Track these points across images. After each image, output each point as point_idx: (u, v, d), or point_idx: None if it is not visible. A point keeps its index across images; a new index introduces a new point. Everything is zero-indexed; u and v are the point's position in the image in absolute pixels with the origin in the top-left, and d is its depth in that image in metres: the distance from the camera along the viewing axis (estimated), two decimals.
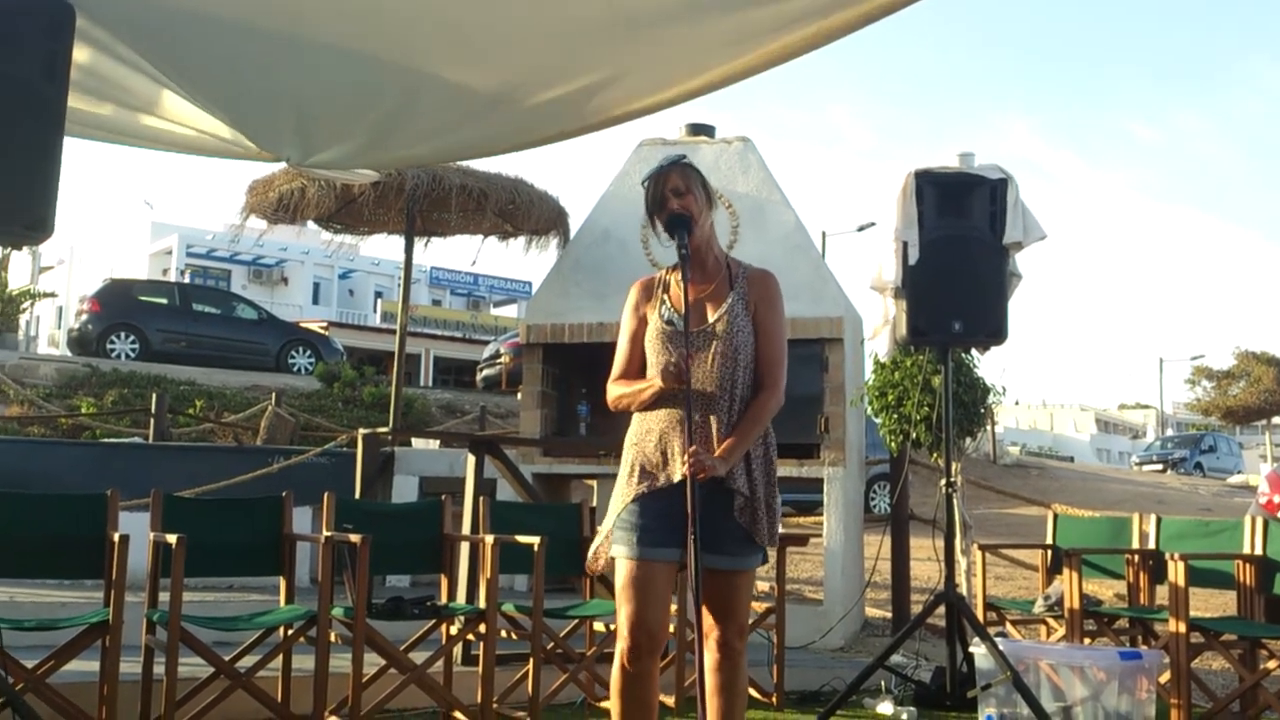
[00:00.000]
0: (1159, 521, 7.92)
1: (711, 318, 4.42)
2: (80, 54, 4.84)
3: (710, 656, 4.37)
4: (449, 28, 4.74)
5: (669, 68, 4.77)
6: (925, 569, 12.16)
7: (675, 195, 4.44)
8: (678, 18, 4.41)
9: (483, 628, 6.14)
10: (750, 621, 7.47)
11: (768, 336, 4.47)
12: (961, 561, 8.70)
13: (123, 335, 24.33)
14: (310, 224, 13.20)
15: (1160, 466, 45.18)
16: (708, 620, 4.36)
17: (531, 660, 6.29)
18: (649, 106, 5.01)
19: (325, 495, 6.40)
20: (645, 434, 4.41)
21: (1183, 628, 6.59)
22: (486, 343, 31.43)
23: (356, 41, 4.86)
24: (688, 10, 4.36)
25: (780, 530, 7.29)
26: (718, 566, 4.27)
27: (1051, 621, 7.91)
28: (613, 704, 4.40)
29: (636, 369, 4.52)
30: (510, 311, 58.97)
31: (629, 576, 4.27)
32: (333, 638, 5.83)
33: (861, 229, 37.04)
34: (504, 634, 6.53)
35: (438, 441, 12.40)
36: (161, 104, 5.53)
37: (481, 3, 4.53)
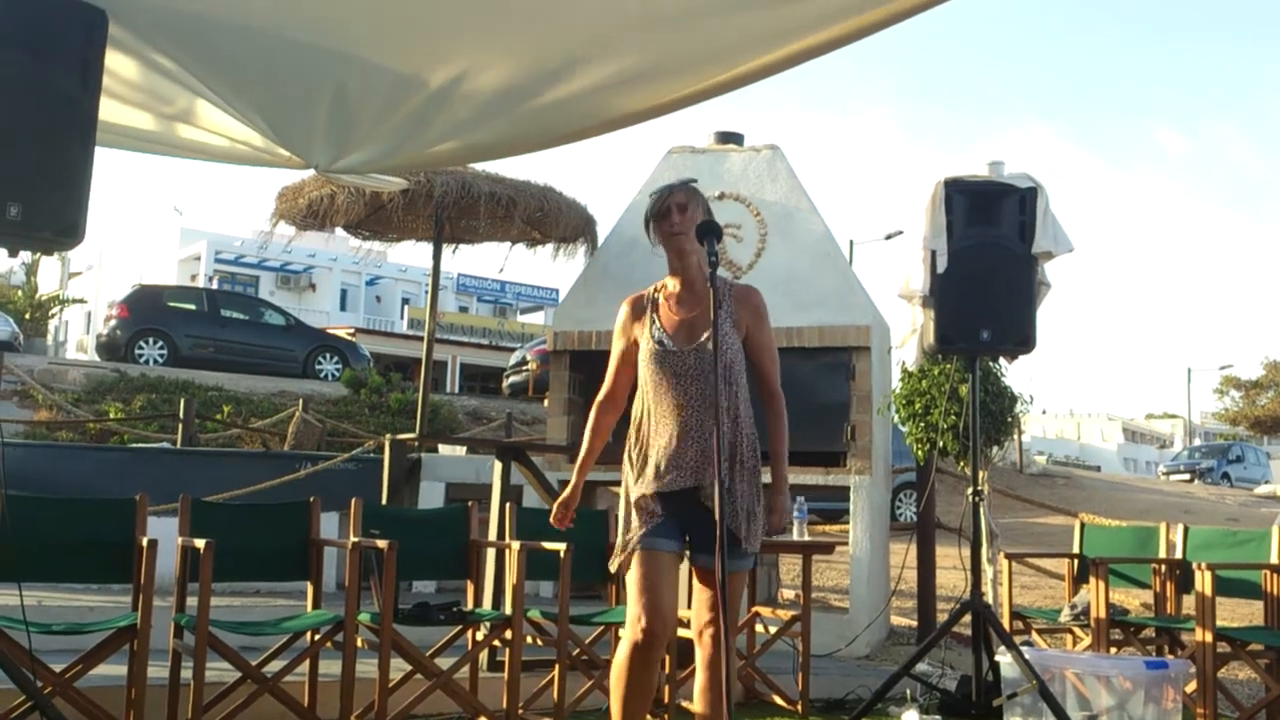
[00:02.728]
0: (1186, 531, 7.89)
1: (702, 336, 4.60)
2: (118, 63, 4.89)
3: (701, 653, 4.55)
4: (479, 23, 4.77)
5: (698, 62, 4.80)
6: (951, 578, 12.11)
7: (678, 209, 4.67)
8: (709, 12, 4.45)
9: (509, 634, 6.15)
10: (775, 630, 7.50)
11: (763, 350, 4.74)
12: (988, 570, 8.68)
13: (151, 341, 24.44)
14: (339, 230, 13.25)
15: (1187, 476, 44.92)
16: (702, 617, 4.54)
17: (557, 667, 6.30)
18: (675, 102, 5.05)
19: (352, 501, 6.42)
20: (654, 436, 4.64)
21: (1209, 637, 6.57)
22: (513, 350, 31.45)
23: (386, 41, 4.89)
24: (718, 5, 4.40)
25: (808, 536, 7.30)
26: (708, 566, 4.46)
27: (1077, 630, 7.88)
28: (616, 690, 4.59)
29: (624, 389, 4.84)
30: (537, 319, 59.07)
31: (641, 565, 4.52)
32: (359, 643, 5.86)
33: (889, 237, 37.03)
34: (530, 640, 6.54)
35: (464, 448, 12.43)
36: (196, 113, 5.57)
37: None
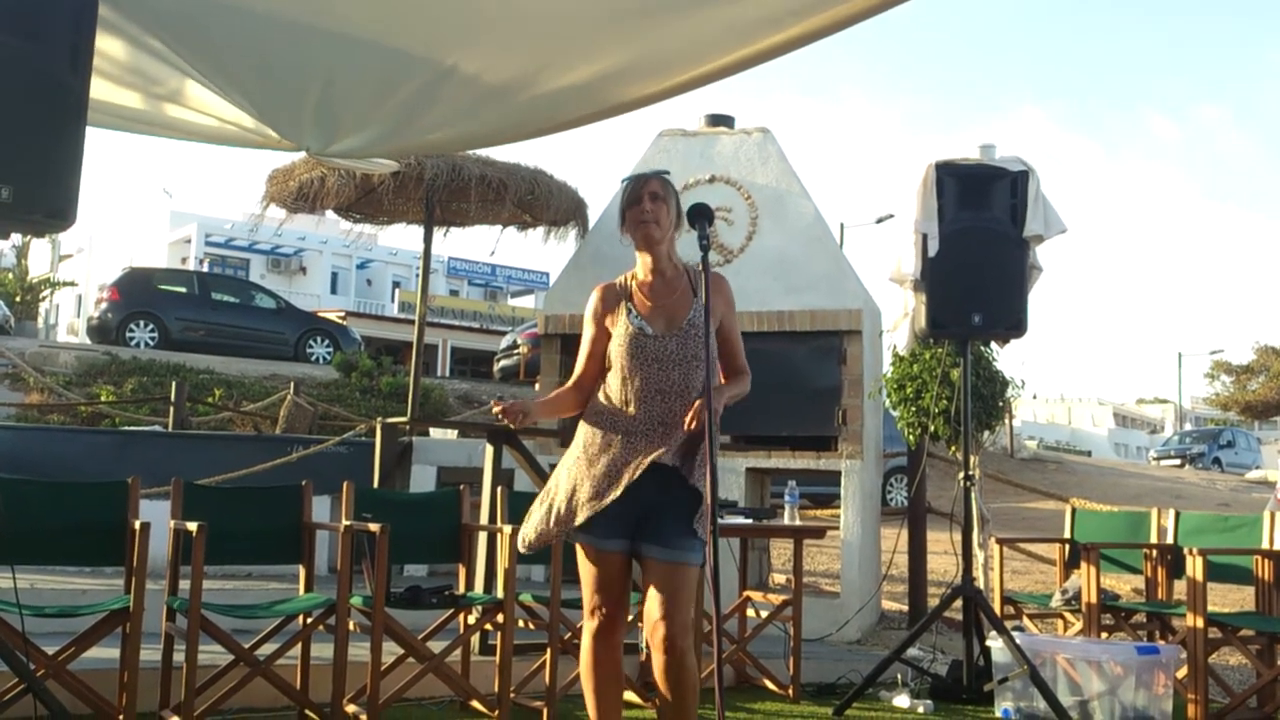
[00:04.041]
0: (1177, 516, 7.90)
1: (683, 322, 4.63)
2: (108, 44, 4.87)
3: (656, 658, 4.45)
4: (469, 14, 4.76)
5: (682, 53, 4.80)
6: (942, 562, 12.16)
7: (650, 198, 4.66)
8: (698, 3, 4.44)
9: (500, 617, 6.15)
10: (766, 615, 7.51)
11: (733, 333, 4.78)
12: (979, 555, 8.70)
13: (142, 324, 24.40)
14: (329, 213, 13.19)
15: (1178, 461, 44.99)
16: (652, 615, 4.45)
17: (549, 650, 6.31)
18: (665, 91, 5.05)
19: (344, 484, 6.41)
20: (603, 444, 4.61)
21: (1200, 623, 6.58)
22: (504, 333, 31.43)
23: (379, 27, 4.88)
24: None
25: (800, 520, 7.26)
26: (657, 558, 4.46)
27: (1069, 616, 7.90)
28: (587, 679, 4.59)
29: (592, 378, 4.76)
30: (527, 302, 59.02)
31: (592, 563, 4.58)
32: (351, 626, 5.86)
33: (880, 221, 37.01)
34: (521, 624, 6.54)
35: (455, 431, 12.41)
36: (186, 94, 5.55)
37: None
